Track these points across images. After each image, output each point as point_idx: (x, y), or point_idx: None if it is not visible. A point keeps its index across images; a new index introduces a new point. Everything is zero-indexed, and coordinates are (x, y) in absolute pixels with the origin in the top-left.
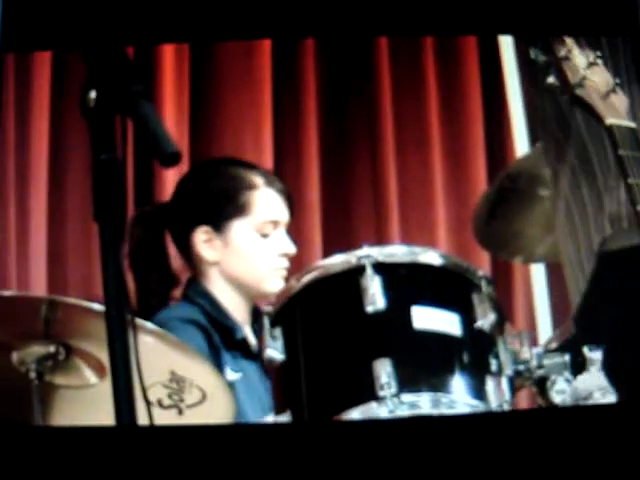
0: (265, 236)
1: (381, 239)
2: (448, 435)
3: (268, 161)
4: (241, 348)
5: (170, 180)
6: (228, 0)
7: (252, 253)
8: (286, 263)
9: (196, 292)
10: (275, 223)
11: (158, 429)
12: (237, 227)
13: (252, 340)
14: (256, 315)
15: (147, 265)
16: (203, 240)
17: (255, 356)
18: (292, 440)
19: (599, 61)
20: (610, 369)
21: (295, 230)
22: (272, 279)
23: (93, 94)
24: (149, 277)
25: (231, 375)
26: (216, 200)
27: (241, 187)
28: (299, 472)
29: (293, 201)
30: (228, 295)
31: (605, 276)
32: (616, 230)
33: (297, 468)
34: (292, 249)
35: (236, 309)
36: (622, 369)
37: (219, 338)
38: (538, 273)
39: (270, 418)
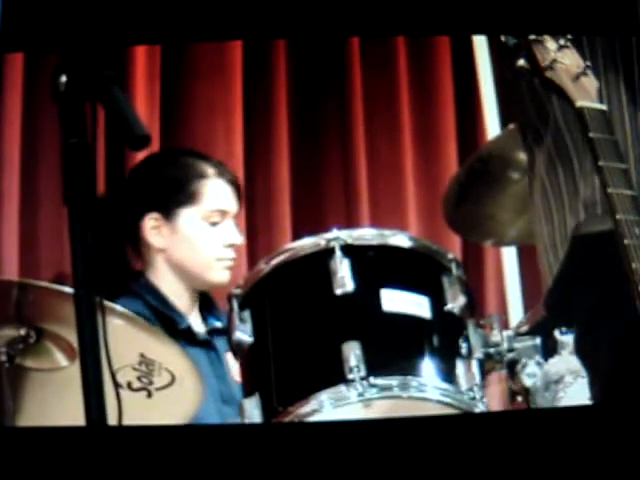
0: (213, 225)
1: (351, 223)
2: (422, 437)
3: (239, 148)
4: (185, 336)
5: None
6: (199, 2)
7: (199, 241)
8: (232, 254)
9: (141, 286)
10: (223, 213)
11: (121, 429)
12: (185, 215)
13: (199, 327)
14: (205, 301)
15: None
16: (151, 227)
17: (202, 343)
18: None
19: (569, 44)
20: (581, 352)
21: (265, 214)
22: (216, 269)
23: (63, 78)
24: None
25: None
26: (166, 187)
27: (192, 176)
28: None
29: (242, 192)
30: (173, 284)
31: (577, 260)
32: (590, 215)
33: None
34: (239, 240)
35: (181, 297)
36: (593, 352)
37: (162, 328)
38: (509, 256)
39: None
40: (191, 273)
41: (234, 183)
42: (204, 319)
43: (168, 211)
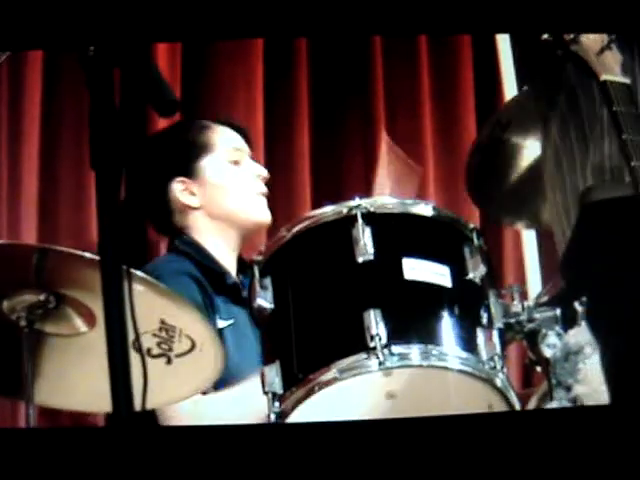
0: (237, 163)
1: (371, 193)
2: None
3: (259, 117)
4: (232, 293)
5: None
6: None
7: (229, 181)
8: (264, 187)
9: (183, 242)
10: (239, 150)
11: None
12: (206, 165)
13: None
14: (241, 265)
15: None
16: (181, 189)
17: (245, 301)
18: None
19: None
20: (592, 320)
21: (285, 183)
22: (256, 203)
23: (92, 45)
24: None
25: (221, 322)
26: (179, 148)
27: (197, 130)
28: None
29: (250, 136)
30: (215, 242)
31: (588, 228)
32: (598, 182)
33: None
34: (264, 171)
35: (223, 256)
36: (603, 320)
37: (210, 286)
38: None
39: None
40: (235, 216)
41: (239, 129)
42: (240, 282)
43: (189, 169)
